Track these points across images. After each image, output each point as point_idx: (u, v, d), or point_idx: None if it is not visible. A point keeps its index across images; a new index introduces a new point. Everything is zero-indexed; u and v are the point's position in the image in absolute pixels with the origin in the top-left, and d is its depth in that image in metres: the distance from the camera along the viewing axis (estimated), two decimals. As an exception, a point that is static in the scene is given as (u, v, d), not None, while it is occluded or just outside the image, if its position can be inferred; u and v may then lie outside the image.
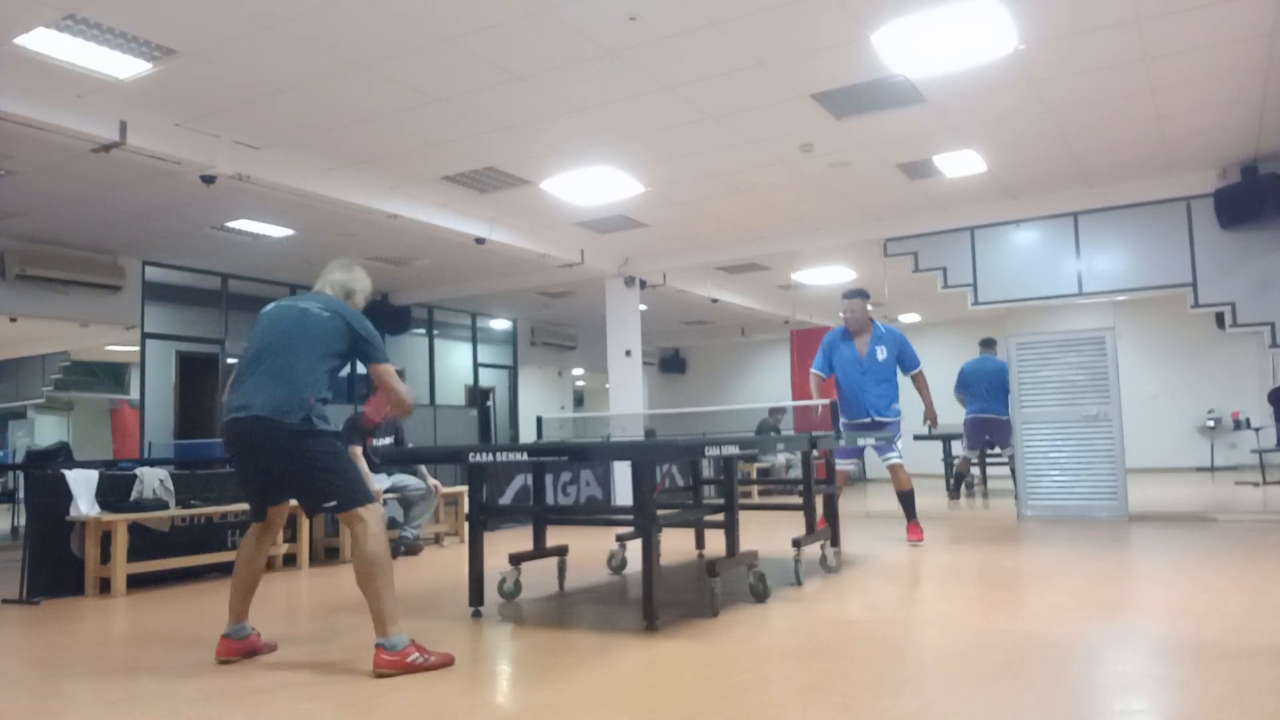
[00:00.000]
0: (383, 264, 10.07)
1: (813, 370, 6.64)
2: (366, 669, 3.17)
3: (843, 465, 6.44)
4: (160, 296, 9.58)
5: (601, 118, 5.96)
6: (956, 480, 10.22)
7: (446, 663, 3.23)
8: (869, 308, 6.58)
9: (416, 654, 3.17)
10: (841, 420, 6.34)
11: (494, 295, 11.92)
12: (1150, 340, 12.77)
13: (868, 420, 6.39)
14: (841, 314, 6.58)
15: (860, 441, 5.99)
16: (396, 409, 3.60)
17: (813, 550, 5.19)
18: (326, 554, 6.70)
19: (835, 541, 5.47)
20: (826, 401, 5.96)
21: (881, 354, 6.41)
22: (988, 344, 9.93)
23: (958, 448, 11.75)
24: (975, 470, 10.85)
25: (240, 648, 3.47)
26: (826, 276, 11.49)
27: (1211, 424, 12.79)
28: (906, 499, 6.43)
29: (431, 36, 4.75)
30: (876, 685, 2.88)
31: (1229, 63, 5.38)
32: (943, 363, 14.66)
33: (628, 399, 10.28)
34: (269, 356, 3.38)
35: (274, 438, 3.27)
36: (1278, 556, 5.26)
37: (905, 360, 6.50)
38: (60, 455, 7.65)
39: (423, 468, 7.08)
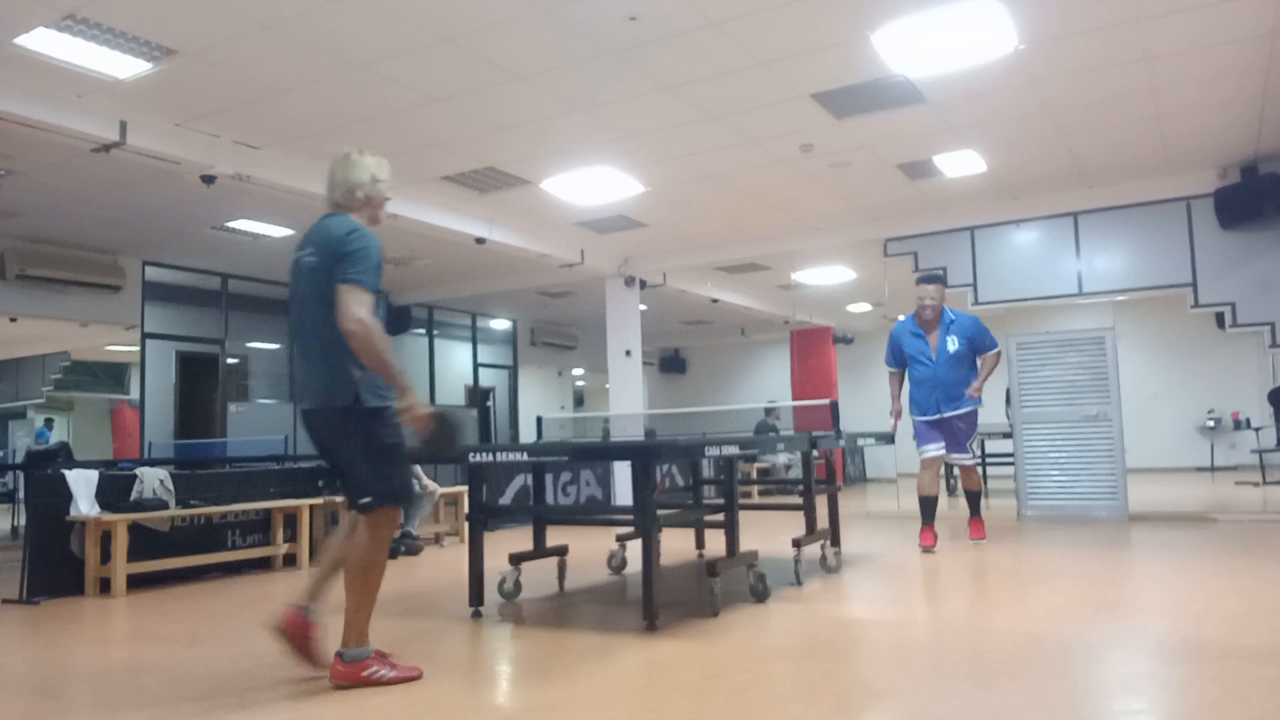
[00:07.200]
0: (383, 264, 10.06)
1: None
2: (366, 669, 3.17)
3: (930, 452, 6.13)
4: (160, 296, 9.58)
5: (601, 118, 5.96)
6: None
7: (410, 677, 3.03)
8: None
9: (376, 667, 2.98)
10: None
11: (494, 295, 11.91)
12: (1150, 340, 12.77)
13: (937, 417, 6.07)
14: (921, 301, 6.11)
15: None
16: (364, 356, 2.90)
17: (813, 550, 5.19)
18: (326, 554, 6.68)
19: (835, 541, 5.47)
20: (825, 401, 5.95)
21: (953, 345, 6.02)
22: None
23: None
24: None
25: (298, 629, 3.07)
26: (826, 276, 11.49)
27: (1211, 424, 12.80)
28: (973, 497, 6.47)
29: (432, 36, 4.75)
30: (877, 685, 2.88)
31: (1229, 63, 5.38)
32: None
33: (628, 399, 10.27)
34: (299, 333, 3.12)
35: (329, 425, 3.04)
36: (1277, 556, 5.26)
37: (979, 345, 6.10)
38: (60, 455, 7.66)
39: (417, 468, 7.06)
